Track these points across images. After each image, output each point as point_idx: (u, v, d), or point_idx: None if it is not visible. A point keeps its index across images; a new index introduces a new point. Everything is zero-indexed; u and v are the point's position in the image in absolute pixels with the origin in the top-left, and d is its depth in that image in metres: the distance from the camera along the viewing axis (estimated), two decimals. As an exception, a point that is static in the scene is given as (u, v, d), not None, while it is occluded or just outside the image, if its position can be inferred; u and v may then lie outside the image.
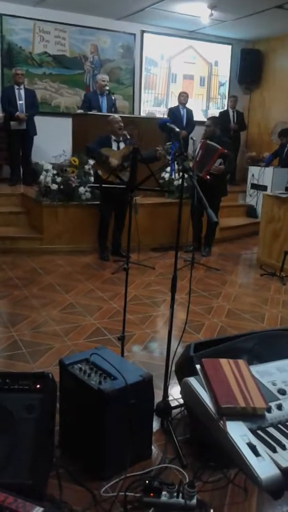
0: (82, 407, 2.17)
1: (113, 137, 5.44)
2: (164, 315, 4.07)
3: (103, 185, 4.36)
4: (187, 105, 8.32)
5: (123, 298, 4.44)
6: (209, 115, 9.40)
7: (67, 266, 5.39)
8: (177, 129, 2.37)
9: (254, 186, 7.99)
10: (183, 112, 8.25)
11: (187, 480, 2.08)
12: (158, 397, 2.54)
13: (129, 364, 2.45)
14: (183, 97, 8.26)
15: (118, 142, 5.43)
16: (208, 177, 5.52)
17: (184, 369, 2.31)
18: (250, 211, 7.80)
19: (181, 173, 2.45)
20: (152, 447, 2.35)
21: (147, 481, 1.99)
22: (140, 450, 2.25)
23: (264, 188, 7.64)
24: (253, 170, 8.11)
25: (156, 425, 2.50)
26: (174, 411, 2.58)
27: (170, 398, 2.62)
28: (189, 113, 8.27)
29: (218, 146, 5.55)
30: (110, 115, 5.73)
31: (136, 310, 4.17)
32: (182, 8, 7.38)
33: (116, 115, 5.63)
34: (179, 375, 2.46)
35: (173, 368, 2.55)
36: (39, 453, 1.89)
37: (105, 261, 5.60)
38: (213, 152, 5.56)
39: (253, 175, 8.04)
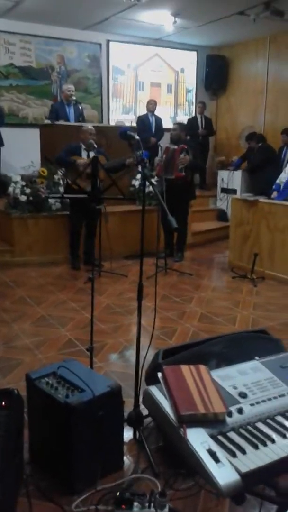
0: (50, 422, 2.14)
1: (83, 146, 5.45)
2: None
3: (64, 195, 4.32)
4: (156, 113, 8.38)
5: (96, 307, 4.43)
6: (178, 122, 9.50)
7: (39, 277, 5.33)
8: (137, 137, 2.37)
9: (224, 190, 8.09)
10: (152, 119, 8.31)
11: (159, 489, 2.07)
12: (131, 406, 2.53)
13: (97, 375, 2.43)
14: (152, 105, 8.32)
15: (88, 151, 5.44)
16: (182, 174, 5.60)
17: (154, 376, 2.29)
18: (221, 215, 7.88)
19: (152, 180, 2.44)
20: (125, 458, 2.33)
21: (118, 493, 1.96)
22: (111, 461, 2.22)
23: (233, 191, 7.74)
24: (223, 174, 8.21)
25: (129, 435, 2.48)
26: (146, 420, 2.56)
27: (142, 407, 2.59)
28: (158, 120, 8.33)
29: (175, 146, 5.70)
30: (81, 125, 5.74)
31: (108, 319, 4.15)
32: (146, 16, 7.45)
33: (90, 126, 5.65)
34: (149, 383, 2.44)
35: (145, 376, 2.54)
36: (6, 471, 1.85)
37: (77, 271, 5.57)
38: (173, 153, 5.69)
39: (222, 179, 8.13)
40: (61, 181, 5.99)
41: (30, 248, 5.86)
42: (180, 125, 6.16)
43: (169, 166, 5.64)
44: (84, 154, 5.44)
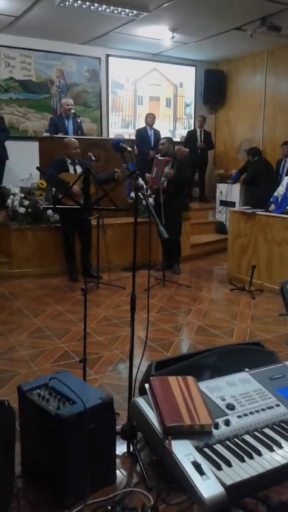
0: (41, 434, 2.12)
1: (69, 160, 5.48)
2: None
3: (57, 206, 4.35)
4: (154, 126, 8.45)
5: (93, 319, 4.44)
6: (177, 135, 9.58)
7: (37, 289, 5.33)
8: (129, 149, 2.39)
9: (223, 203, 8.12)
10: (150, 133, 8.37)
11: (152, 503, 2.05)
12: (125, 419, 2.51)
13: (90, 387, 2.41)
14: (150, 118, 8.39)
15: (74, 165, 5.48)
16: (164, 185, 5.65)
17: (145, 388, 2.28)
18: (220, 228, 7.90)
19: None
20: (118, 471, 2.31)
21: (109, 507, 1.95)
22: (103, 475, 2.20)
23: (232, 204, 7.77)
24: (222, 187, 8.25)
25: (122, 448, 2.46)
26: (140, 433, 2.53)
27: (135, 419, 2.58)
28: (157, 133, 8.38)
29: (163, 158, 5.78)
30: (65, 137, 5.81)
31: (105, 331, 4.14)
32: (144, 31, 7.54)
33: (73, 138, 5.69)
34: (143, 395, 2.43)
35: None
36: (-5, 484, 1.84)
37: (75, 282, 5.57)
38: (160, 164, 5.76)
39: (221, 192, 8.17)
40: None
41: (28, 259, 5.86)
42: (167, 139, 6.22)
43: (157, 177, 5.72)
44: (71, 168, 5.47)
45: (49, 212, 5.86)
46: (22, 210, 5.84)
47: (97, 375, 3.32)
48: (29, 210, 5.86)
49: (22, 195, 6.00)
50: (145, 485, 2.19)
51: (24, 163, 7.08)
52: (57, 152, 6.15)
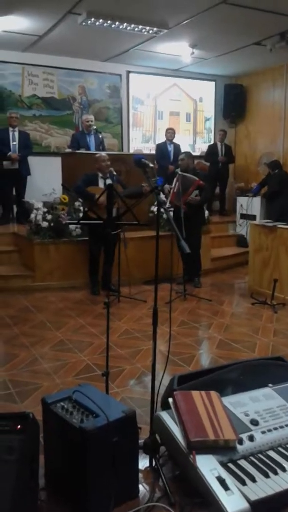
0: (65, 447, 2.14)
1: (100, 175, 5.56)
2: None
3: (80, 222, 4.41)
4: (174, 141, 8.52)
5: (114, 332, 4.47)
6: (197, 149, 9.64)
7: (59, 302, 5.39)
8: (151, 165, 2.43)
9: (244, 216, 8.10)
10: (170, 147, 8.44)
11: (174, 519, 2.04)
12: (147, 434, 2.51)
13: (112, 400, 2.43)
14: (170, 133, 8.46)
15: (105, 179, 5.55)
16: (184, 206, 5.63)
17: (169, 403, 2.28)
18: (241, 241, 7.87)
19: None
20: (141, 486, 2.30)
21: (132, 521, 1.95)
22: (126, 489, 2.20)
23: (253, 217, 7.74)
24: (242, 200, 8.24)
25: (145, 462, 2.46)
26: (163, 448, 2.53)
27: (158, 433, 2.57)
28: (176, 148, 8.44)
29: (195, 177, 5.73)
30: (96, 153, 5.88)
31: (127, 345, 4.16)
32: (164, 48, 7.65)
33: (103, 153, 5.77)
34: (165, 409, 2.44)
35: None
36: (20, 496, 1.86)
37: (96, 296, 5.61)
38: (190, 183, 5.70)
39: (241, 205, 8.15)
40: (81, 208, 6.11)
41: (50, 273, 5.94)
42: (186, 153, 6.23)
43: (180, 195, 5.68)
44: (101, 182, 5.55)
45: (71, 226, 5.95)
46: (45, 224, 5.94)
47: (119, 388, 3.34)
48: (52, 224, 5.96)
49: (45, 209, 6.10)
50: (168, 500, 2.18)
51: (47, 178, 7.23)
52: (79, 167, 6.26)
